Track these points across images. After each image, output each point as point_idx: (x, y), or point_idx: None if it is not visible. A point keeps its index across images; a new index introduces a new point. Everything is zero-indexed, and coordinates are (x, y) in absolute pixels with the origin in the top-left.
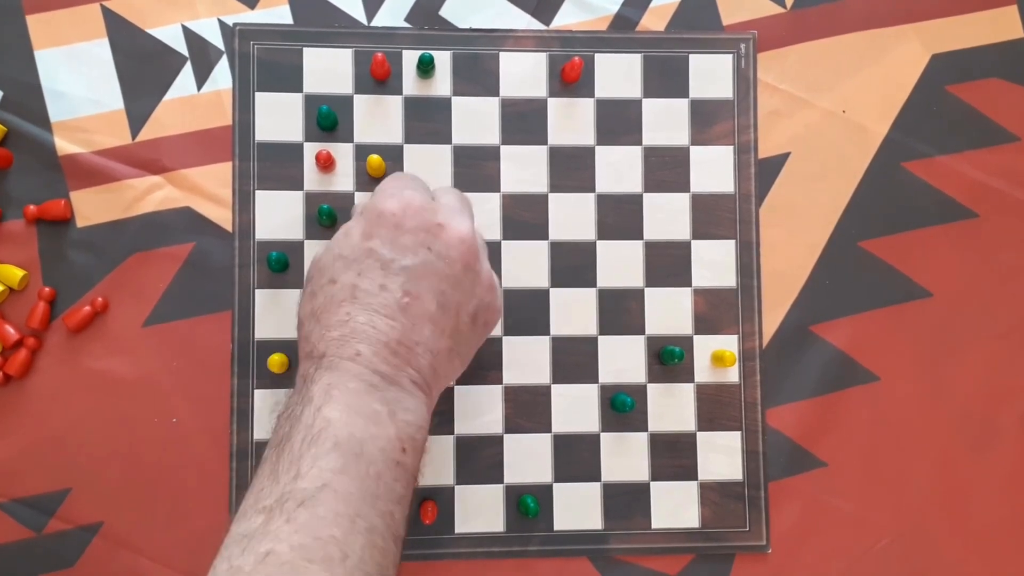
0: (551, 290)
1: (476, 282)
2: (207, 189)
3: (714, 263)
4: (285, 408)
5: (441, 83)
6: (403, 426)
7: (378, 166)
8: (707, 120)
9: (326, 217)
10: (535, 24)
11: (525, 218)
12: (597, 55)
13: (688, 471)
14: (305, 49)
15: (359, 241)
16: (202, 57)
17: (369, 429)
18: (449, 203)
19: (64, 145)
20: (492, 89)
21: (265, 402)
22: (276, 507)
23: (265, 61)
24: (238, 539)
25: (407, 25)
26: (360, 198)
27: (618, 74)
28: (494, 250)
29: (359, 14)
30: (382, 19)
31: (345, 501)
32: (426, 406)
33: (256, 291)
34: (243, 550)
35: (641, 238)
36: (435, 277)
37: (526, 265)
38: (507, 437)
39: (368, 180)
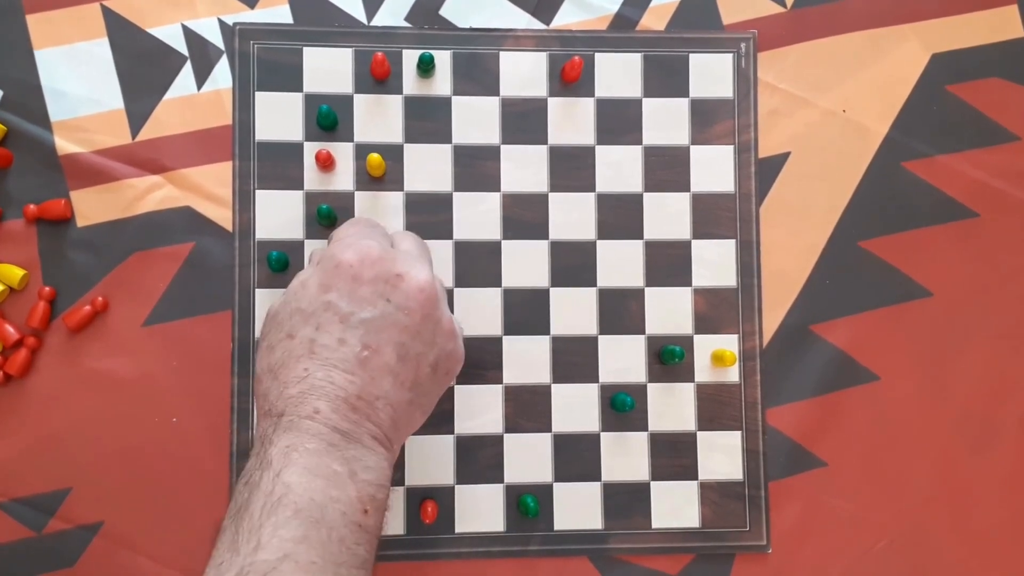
0: (551, 290)
1: (436, 331)
2: (207, 189)
3: (714, 263)
4: (244, 473)
5: (441, 83)
6: (364, 486)
7: (378, 165)
8: (707, 120)
9: (326, 217)
10: (535, 24)
11: (525, 218)
12: (597, 55)
13: (688, 471)
14: (305, 49)
15: (316, 294)
16: (202, 57)
17: (329, 492)
18: (408, 250)
19: (64, 145)
20: (492, 89)
21: None
22: None
23: (265, 61)
24: None
25: (407, 25)
26: (314, 246)
27: (618, 74)
28: (494, 250)
29: (359, 14)
30: (382, 19)
31: (307, 572)
32: (387, 462)
33: (256, 291)
34: None
35: (641, 238)
36: (394, 329)
37: (526, 265)
38: (507, 437)
39: (368, 180)
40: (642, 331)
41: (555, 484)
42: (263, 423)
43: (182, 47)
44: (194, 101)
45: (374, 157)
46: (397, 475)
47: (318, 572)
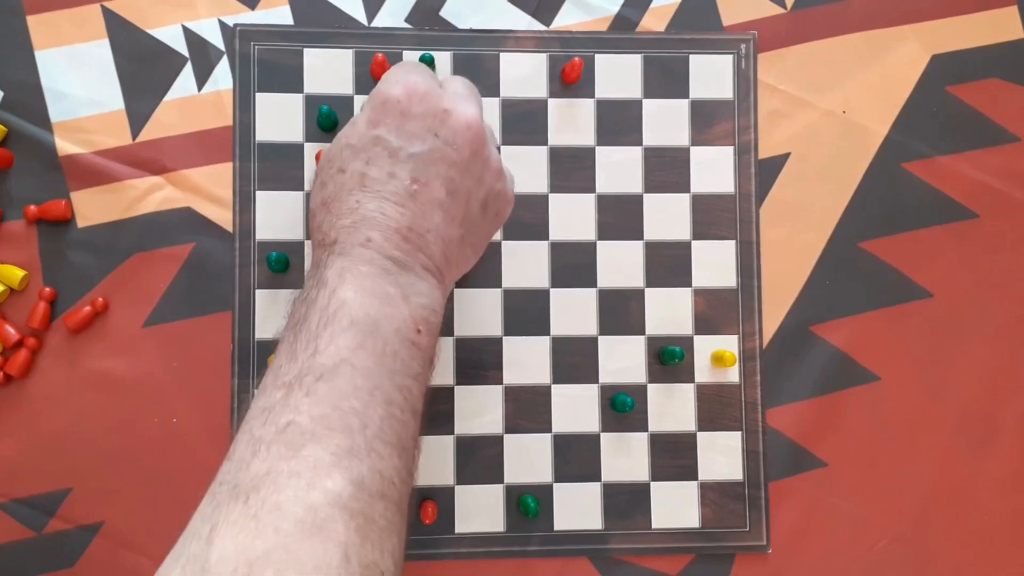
0: (551, 290)
1: (485, 168)
2: (207, 189)
3: (714, 263)
4: (300, 294)
5: None
6: (417, 308)
7: None
8: (707, 120)
9: None
10: (535, 25)
11: (525, 218)
12: (597, 55)
13: (688, 471)
14: (305, 49)
15: (365, 129)
16: (202, 57)
17: (384, 310)
18: (456, 90)
19: (64, 145)
20: (492, 89)
21: None
22: (295, 382)
23: (266, 61)
24: (258, 413)
25: (407, 26)
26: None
27: (618, 74)
28: (494, 250)
29: (359, 14)
30: (382, 19)
31: (363, 375)
32: (439, 291)
33: (256, 291)
34: (264, 422)
35: (641, 238)
36: (443, 164)
37: (526, 265)
38: (507, 437)
39: None
40: (642, 331)
41: (555, 484)
42: (317, 252)
43: (182, 48)
44: (194, 102)
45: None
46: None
47: (373, 377)
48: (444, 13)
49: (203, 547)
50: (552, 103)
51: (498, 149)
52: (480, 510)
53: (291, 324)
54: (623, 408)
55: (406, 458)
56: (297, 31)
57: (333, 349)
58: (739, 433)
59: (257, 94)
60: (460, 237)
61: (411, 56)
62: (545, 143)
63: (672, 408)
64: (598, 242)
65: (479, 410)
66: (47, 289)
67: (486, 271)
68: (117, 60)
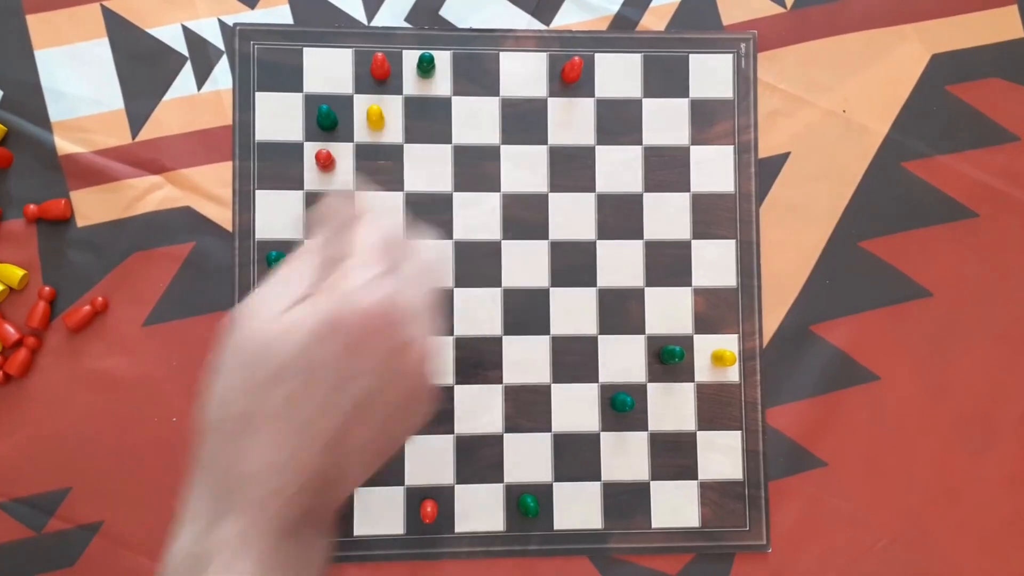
0: (551, 290)
1: (419, 405)
2: (207, 189)
3: (714, 263)
4: (181, 551)
5: (441, 83)
6: (318, 572)
7: (377, 118)
8: (707, 120)
9: None
10: (535, 24)
11: (525, 218)
12: (597, 55)
13: (688, 471)
14: (305, 49)
15: (308, 343)
16: (202, 57)
17: None
18: (414, 299)
19: (64, 145)
20: (492, 89)
21: None
22: None
23: (265, 61)
24: None
25: (407, 25)
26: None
27: (618, 74)
28: (494, 250)
29: (359, 14)
30: (382, 19)
31: None
32: (329, 544)
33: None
34: None
35: (641, 238)
36: (381, 403)
37: (526, 265)
38: (507, 436)
39: (368, 180)
40: (642, 331)
41: (555, 484)
42: (200, 491)
43: (182, 47)
44: (194, 101)
45: (374, 109)
46: (397, 475)
47: None
48: (444, 12)
49: None
50: (552, 102)
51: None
52: (480, 509)
53: None
54: (623, 408)
55: None
56: (297, 30)
57: None
58: (739, 433)
59: (257, 93)
60: (368, 472)
61: (411, 56)
62: (545, 142)
63: (672, 408)
64: (598, 242)
65: (479, 410)
66: (47, 288)
67: (486, 271)
68: (117, 59)
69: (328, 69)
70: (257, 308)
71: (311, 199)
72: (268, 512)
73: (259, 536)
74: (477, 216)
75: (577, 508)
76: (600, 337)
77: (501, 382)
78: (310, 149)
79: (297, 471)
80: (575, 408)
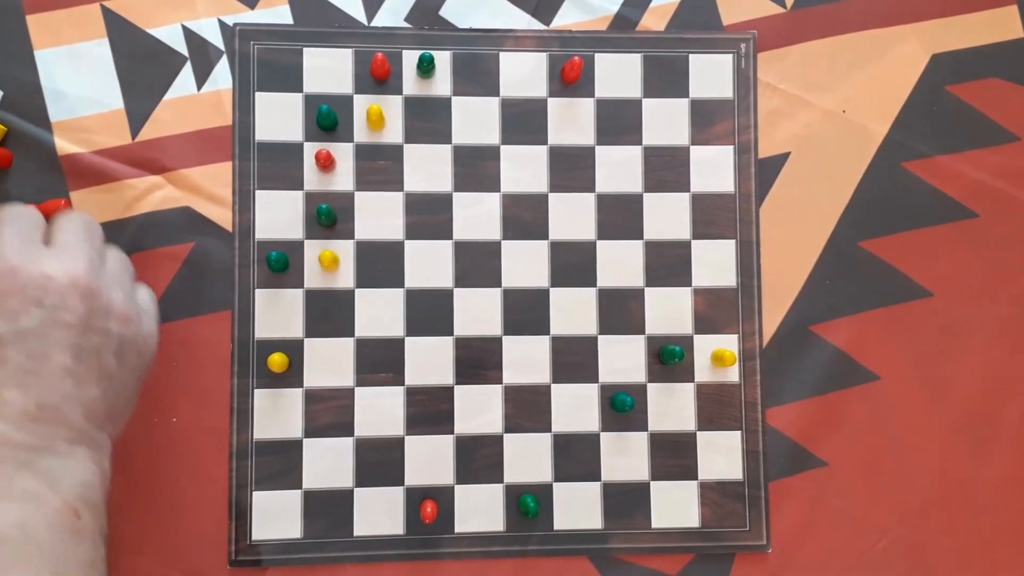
0: (551, 290)
1: (108, 319)
2: (207, 189)
3: (714, 263)
4: None
5: (441, 83)
6: (70, 489)
7: (377, 119)
8: (707, 120)
9: (326, 217)
10: (535, 24)
11: (525, 218)
12: (597, 55)
13: (688, 471)
14: (305, 49)
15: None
16: (202, 57)
17: (27, 511)
18: (58, 244)
19: (64, 145)
20: (492, 89)
21: (265, 402)
22: None
23: (265, 61)
24: None
25: (407, 25)
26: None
27: (618, 74)
28: (494, 250)
29: (359, 14)
30: (382, 19)
31: None
32: (93, 460)
33: (256, 291)
34: None
35: (641, 238)
36: (59, 330)
37: (526, 265)
38: (507, 437)
39: (368, 180)
40: (642, 331)
41: (555, 484)
42: None
43: (182, 47)
44: (194, 101)
45: (374, 109)
46: (397, 475)
47: None
48: (444, 12)
49: None
50: (552, 102)
51: (143, 287)
52: (480, 510)
53: None
54: (623, 408)
55: None
56: (297, 30)
57: None
58: (739, 433)
59: (257, 94)
60: (102, 394)
61: (411, 56)
62: (545, 143)
63: (672, 408)
64: (598, 242)
65: (479, 410)
66: None
67: (486, 271)
68: (117, 60)
69: (328, 69)
70: None
71: (311, 199)
72: None
73: None
74: (477, 216)
75: (577, 508)
76: (600, 337)
77: (501, 382)
78: (310, 149)
79: (2, 414)
80: (575, 408)
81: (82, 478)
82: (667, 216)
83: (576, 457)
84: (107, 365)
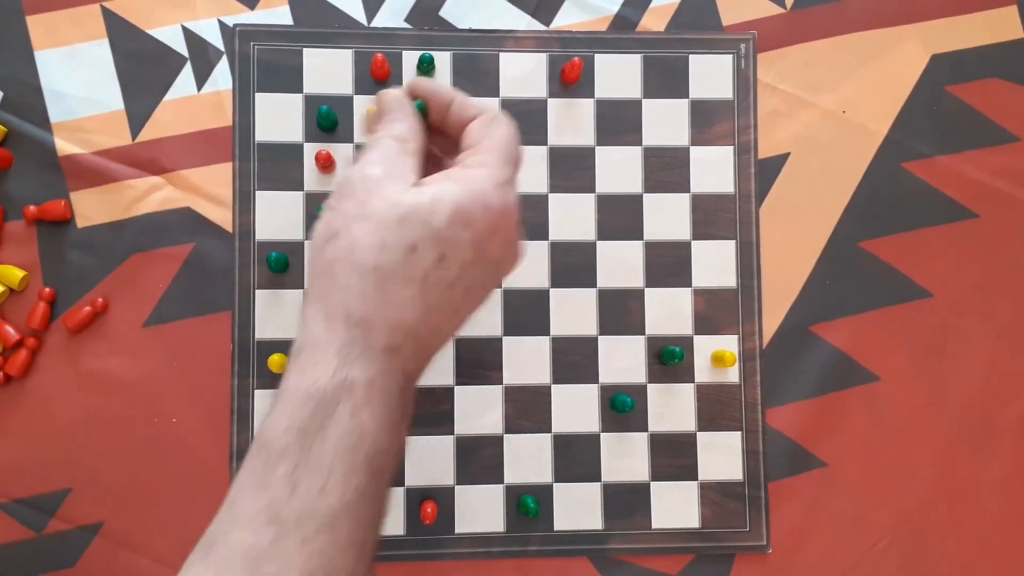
0: (551, 290)
1: (500, 266)
2: (207, 189)
3: (714, 263)
4: (309, 374)
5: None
6: (406, 431)
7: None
8: (707, 120)
9: None
10: (535, 24)
11: (525, 218)
12: (597, 55)
13: (688, 471)
14: (305, 50)
15: (453, 221)
16: (202, 58)
17: (392, 444)
18: (510, 175)
19: (64, 145)
20: (492, 89)
21: (265, 402)
22: (292, 526)
23: (265, 62)
24: (243, 552)
25: (407, 25)
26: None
27: (618, 74)
28: None
29: (359, 14)
30: (382, 19)
31: (361, 528)
32: (411, 378)
33: (256, 291)
34: (251, 568)
35: (641, 238)
36: (484, 289)
37: (526, 265)
38: (507, 437)
39: None
40: (642, 331)
41: (555, 484)
42: (341, 328)
43: (182, 48)
44: (194, 102)
45: (374, 109)
46: (398, 477)
47: (366, 529)
48: (444, 13)
49: None
50: (552, 103)
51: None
52: (480, 510)
53: (297, 423)
54: (623, 408)
55: None
56: (297, 31)
57: (341, 491)
58: (739, 433)
59: (257, 94)
60: (444, 327)
61: (411, 57)
62: (545, 143)
63: (672, 408)
64: (598, 242)
65: (479, 410)
66: (47, 289)
67: None
68: (117, 60)
69: (328, 70)
70: (379, 178)
71: (311, 200)
72: (395, 366)
73: (383, 387)
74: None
75: (577, 509)
76: (600, 337)
77: (501, 382)
78: (310, 150)
79: (423, 334)
80: (575, 408)
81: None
82: (667, 216)
83: (576, 457)
84: (461, 303)
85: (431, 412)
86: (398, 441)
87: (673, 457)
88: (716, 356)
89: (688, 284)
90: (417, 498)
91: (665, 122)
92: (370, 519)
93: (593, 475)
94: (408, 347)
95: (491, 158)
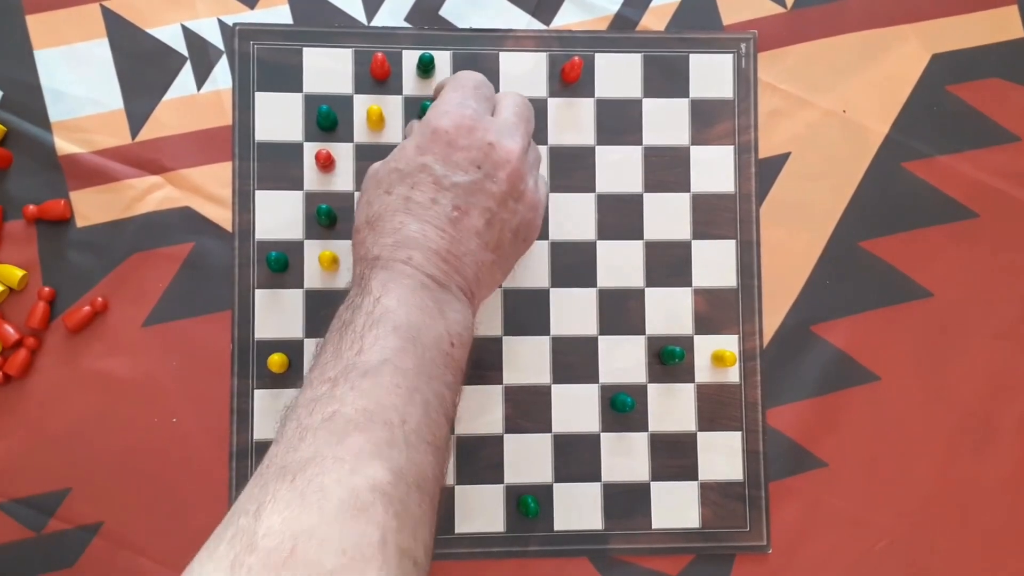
0: (551, 290)
1: (520, 200)
2: (207, 189)
3: (714, 263)
4: (345, 300)
5: None
6: (452, 323)
7: (377, 119)
8: (707, 120)
9: (325, 217)
10: (535, 24)
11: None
12: (597, 55)
13: (688, 471)
14: (305, 49)
15: (413, 155)
16: (202, 57)
17: (424, 320)
18: (505, 120)
19: (64, 145)
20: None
21: (265, 402)
22: (341, 377)
23: (265, 61)
24: (305, 403)
25: (407, 25)
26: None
27: (618, 74)
28: None
29: (359, 14)
30: (382, 19)
31: (404, 376)
32: (471, 311)
33: (256, 291)
34: (311, 411)
35: (641, 238)
36: (482, 194)
37: (526, 265)
38: (507, 437)
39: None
40: (642, 331)
41: (555, 484)
42: (359, 266)
43: (182, 47)
44: (194, 101)
45: (374, 109)
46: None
47: (412, 378)
48: (444, 12)
49: (251, 521)
50: (552, 102)
51: (543, 178)
52: (480, 510)
53: (336, 326)
54: (623, 408)
55: (439, 456)
56: (296, 30)
57: (377, 349)
58: (739, 433)
59: (256, 93)
60: (492, 262)
61: (411, 56)
62: (545, 142)
63: (672, 408)
64: (598, 242)
65: (479, 410)
66: (46, 289)
67: None
68: (116, 59)
69: (328, 69)
70: (385, 160)
71: (311, 199)
72: (402, 269)
73: (397, 282)
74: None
75: (577, 509)
76: (600, 337)
77: (501, 383)
78: (310, 149)
79: (420, 243)
80: (575, 408)
81: (462, 318)
82: (667, 216)
83: (576, 457)
84: (505, 239)
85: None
86: (431, 320)
87: (673, 457)
88: (716, 356)
89: (688, 284)
90: None
91: (665, 122)
92: (415, 371)
93: (593, 475)
94: (417, 256)
95: (448, 87)
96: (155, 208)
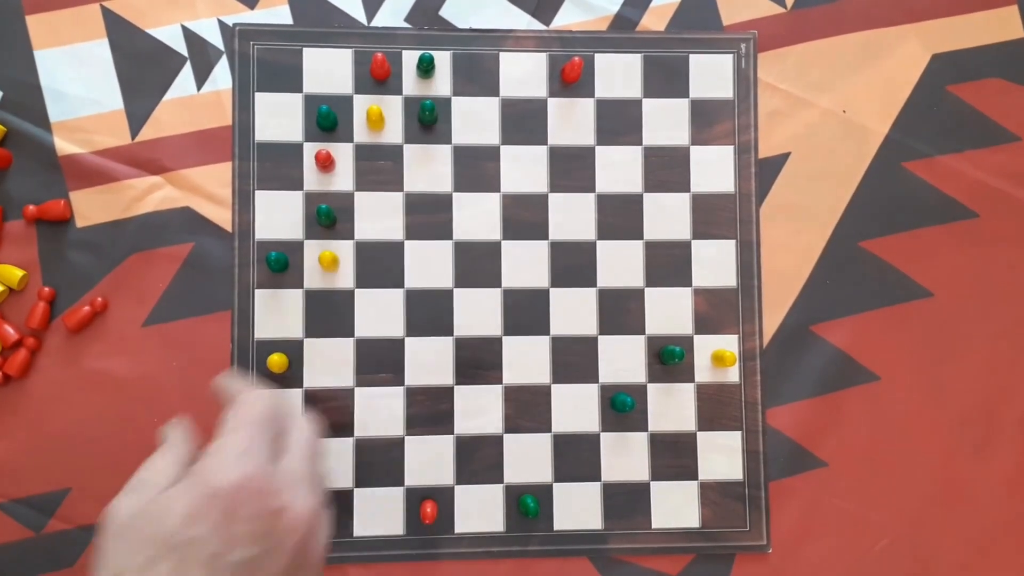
0: (551, 290)
1: (305, 564)
2: (207, 189)
3: (714, 263)
4: None
5: (441, 83)
6: None
7: (377, 119)
8: (707, 120)
9: (325, 217)
10: (535, 24)
11: (525, 218)
12: (597, 55)
13: (688, 471)
14: (305, 49)
15: (182, 524)
16: (202, 57)
17: None
18: (293, 471)
19: (64, 145)
20: (492, 89)
21: None
22: None
23: (265, 61)
24: None
25: (407, 25)
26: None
27: (618, 74)
28: (494, 250)
29: (359, 14)
30: (382, 19)
31: None
32: None
33: (256, 291)
34: None
35: (641, 238)
36: (264, 572)
37: (526, 265)
38: (507, 437)
39: (368, 180)
40: (642, 331)
41: (555, 484)
42: None
43: (182, 48)
44: (194, 102)
45: (374, 109)
46: (397, 476)
47: None
48: (444, 12)
49: None
50: (552, 103)
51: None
52: (480, 510)
53: None
54: (623, 408)
55: None
56: (296, 31)
57: None
58: (739, 433)
59: (256, 94)
60: None
61: (411, 57)
62: (545, 143)
63: (672, 408)
64: (598, 242)
65: (479, 410)
66: (46, 289)
67: (486, 271)
68: (116, 60)
69: (328, 69)
70: (132, 493)
71: (311, 199)
72: None
73: None
74: (477, 216)
75: (577, 509)
76: (600, 337)
77: (501, 382)
78: (310, 149)
79: None
80: (575, 408)
81: None
82: (667, 216)
83: (576, 457)
84: None
85: (431, 412)
86: None
87: (673, 457)
88: (716, 356)
89: (688, 284)
90: (417, 498)
91: (665, 122)
92: None
93: (593, 475)
94: None
95: (227, 436)
96: (155, 208)
